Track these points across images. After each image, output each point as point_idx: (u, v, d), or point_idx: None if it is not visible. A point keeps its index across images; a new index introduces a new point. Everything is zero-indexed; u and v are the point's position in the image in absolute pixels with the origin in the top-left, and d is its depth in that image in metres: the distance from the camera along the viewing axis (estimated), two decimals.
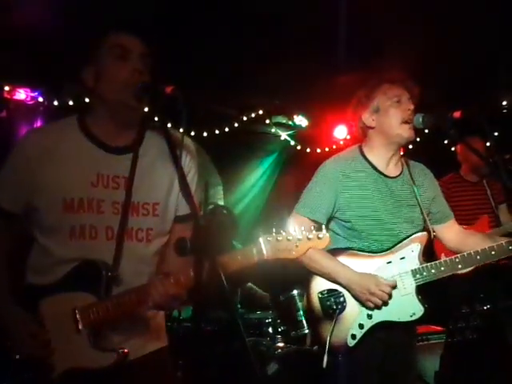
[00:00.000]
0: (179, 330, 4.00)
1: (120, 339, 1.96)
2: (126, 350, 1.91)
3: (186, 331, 4.00)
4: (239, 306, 4.44)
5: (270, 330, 4.26)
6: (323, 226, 1.87)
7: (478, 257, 2.51)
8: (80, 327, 1.91)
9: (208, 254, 1.56)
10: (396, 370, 2.59)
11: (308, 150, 6.62)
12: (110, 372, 1.89)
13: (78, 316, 1.92)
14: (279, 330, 4.22)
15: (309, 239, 1.81)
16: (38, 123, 4.92)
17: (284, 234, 1.80)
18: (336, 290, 2.60)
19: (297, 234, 1.80)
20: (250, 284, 4.68)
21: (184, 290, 1.80)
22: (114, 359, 1.88)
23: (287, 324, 4.23)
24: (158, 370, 2.06)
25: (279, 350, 3.98)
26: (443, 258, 2.57)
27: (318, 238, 1.82)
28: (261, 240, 1.80)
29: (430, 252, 2.68)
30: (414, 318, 2.52)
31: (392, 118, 2.61)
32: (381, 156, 2.69)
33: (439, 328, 4.05)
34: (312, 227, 1.83)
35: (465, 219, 4.59)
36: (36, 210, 1.98)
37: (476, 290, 3.75)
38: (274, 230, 1.80)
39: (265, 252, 1.79)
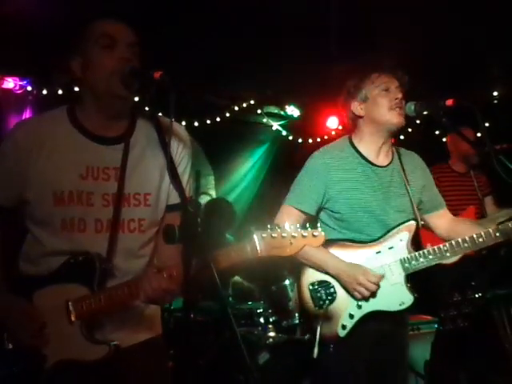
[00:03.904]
0: (170, 321, 4.00)
1: (112, 329, 1.96)
2: (117, 343, 1.91)
3: (177, 321, 4.00)
4: (230, 298, 4.44)
5: (262, 319, 4.26)
6: (318, 224, 1.87)
7: (466, 244, 2.52)
8: (73, 319, 1.91)
9: (197, 242, 1.55)
10: (387, 360, 2.60)
11: (300, 141, 6.62)
12: (102, 362, 1.89)
13: (70, 308, 1.92)
14: (270, 319, 4.22)
15: (303, 237, 1.78)
16: (27, 112, 4.89)
17: (279, 230, 1.77)
18: (326, 281, 2.61)
19: (291, 231, 1.77)
20: (237, 277, 4.68)
21: (177, 285, 1.79)
22: (106, 352, 1.89)
23: (278, 314, 4.24)
24: (150, 359, 2.05)
25: (270, 340, 4.00)
26: (429, 247, 2.57)
27: (313, 236, 1.79)
28: (255, 237, 1.76)
29: (416, 241, 2.69)
30: (403, 307, 2.53)
31: (380, 106, 2.61)
32: (371, 145, 2.69)
33: (430, 317, 4.07)
34: (307, 224, 1.82)
35: (451, 209, 4.60)
36: (27, 203, 1.97)
37: (466, 278, 3.77)
38: (268, 227, 1.77)
39: (259, 249, 1.76)
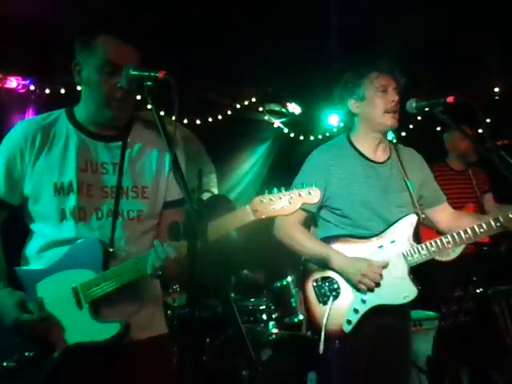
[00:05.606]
0: (174, 317, 4.02)
1: (120, 314, 1.98)
2: (127, 321, 1.94)
3: (181, 318, 4.02)
4: (233, 294, 4.46)
5: (264, 316, 4.29)
6: (313, 183, 1.95)
7: (467, 235, 2.56)
8: (82, 302, 1.95)
9: (201, 238, 1.58)
10: (389, 353, 2.61)
11: (301, 138, 6.63)
12: (112, 349, 1.92)
13: (79, 292, 1.96)
14: (273, 316, 4.24)
15: (300, 195, 1.92)
16: (30, 112, 4.90)
17: (277, 193, 1.91)
18: (330, 277, 2.62)
19: (288, 192, 1.92)
20: (245, 271, 4.71)
21: (184, 257, 1.81)
22: (118, 330, 1.92)
23: (281, 310, 4.26)
24: (155, 357, 2.08)
25: (273, 336, 4.01)
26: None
27: (309, 194, 1.92)
28: (255, 200, 1.90)
29: (417, 235, 2.71)
30: (407, 300, 2.55)
31: (376, 107, 2.64)
32: (367, 142, 2.72)
33: (432, 313, 4.09)
34: (302, 183, 1.94)
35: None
36: (27, 199, 2.03)
37: (467, 274, 3.78)
38: (266, 192, 1.91)
39: (260, 211, 1.89)
